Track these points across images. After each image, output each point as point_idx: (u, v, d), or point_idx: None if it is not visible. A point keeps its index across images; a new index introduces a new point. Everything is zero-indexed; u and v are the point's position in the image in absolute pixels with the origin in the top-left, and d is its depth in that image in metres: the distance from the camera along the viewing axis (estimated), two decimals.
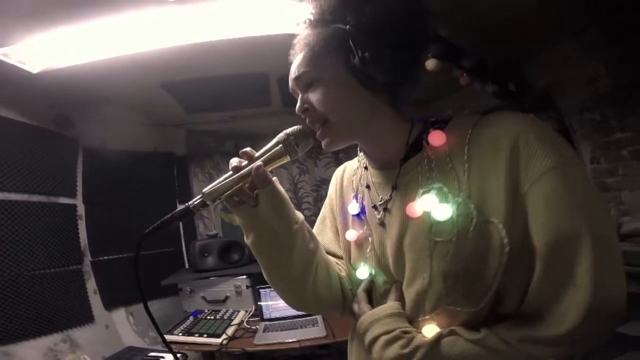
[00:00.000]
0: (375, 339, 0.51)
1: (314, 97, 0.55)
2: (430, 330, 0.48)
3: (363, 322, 0.54)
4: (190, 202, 0.54)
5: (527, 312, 0.44)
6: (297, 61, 0.57)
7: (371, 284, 0.61)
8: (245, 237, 0.60)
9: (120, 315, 2.31)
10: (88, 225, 2.14)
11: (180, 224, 2.58)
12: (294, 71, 0.57)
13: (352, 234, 0.64)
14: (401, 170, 0.55)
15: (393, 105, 0.56)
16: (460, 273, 0.47)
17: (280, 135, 0.58)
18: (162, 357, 1.68)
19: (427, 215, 0.49)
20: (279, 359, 2.57)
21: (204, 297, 2.12)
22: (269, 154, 0.56)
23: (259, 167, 0.54)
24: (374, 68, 0.50)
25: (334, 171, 0.77)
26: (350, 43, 0.50)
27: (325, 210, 0.75)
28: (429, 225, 0.49)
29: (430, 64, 1.53)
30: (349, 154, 0.74)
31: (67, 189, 2.02)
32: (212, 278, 2.08)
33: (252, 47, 1.64)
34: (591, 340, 0.44)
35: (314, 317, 1.82)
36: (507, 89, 2.09)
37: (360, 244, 0.63)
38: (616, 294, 0.41)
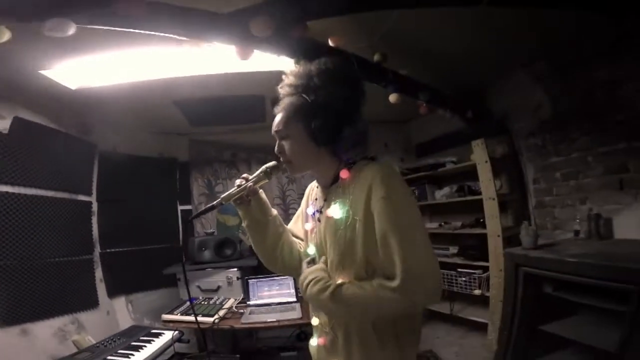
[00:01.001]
0: (309, 282, 0.87)
1: (286, 145, 0.91)
2: (339, 280, 0.85)
3: (303, 274, 0.91)
4: (215, 202, 0.94)
5: (385, 274, 0.78)
6: (277, 119, 0.94)
7: (314, 256, 0.98)
8: (242, 222, 1.02)
9: (120, 303, 2.64)
10: (99, 220, 2.51)
11: (180, 221, 2.96)
12: (275, 125, 0.93)
13: (308, 226, 1.03)
14: (329, 190, 0.92)
15: (332, 152, 0.90)
16: (347, 251, 0.82)
17: (262, 167, 0.97)
18: (162, 333, 2.00)
19: (334, 216, 0.85)
20: (262, 349, 2.89)
21: (199, 286, 2.48)
22: (256, 177, 0.97)
23: (250, 186, 0.96)
24: (320, 134, 0.85)
25: None
26: (309, 114, 0.87)
27: (299, 210, 1.16)
28: (335, 221, 0.85)
29: (392, 97, 1.95)
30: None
31: (85, 187, 2.39)
32: (208, 269, 2.45)
33: (253, 75, 2.04)
34: (415, 294, 0.74)
35: (292, 303, 2.19)
36: (466, 115, 2.51)
37: (312, 232, 0.99)
38: (416, 268, 0.73)
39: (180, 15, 1.16)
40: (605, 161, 2.02)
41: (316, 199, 1.00)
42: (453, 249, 2.82)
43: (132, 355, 1.61)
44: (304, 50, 1.44)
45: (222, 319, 2.05)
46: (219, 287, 2.45)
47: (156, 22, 1.14)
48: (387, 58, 1.80)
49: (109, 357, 1.55)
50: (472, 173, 2.60)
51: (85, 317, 2.27)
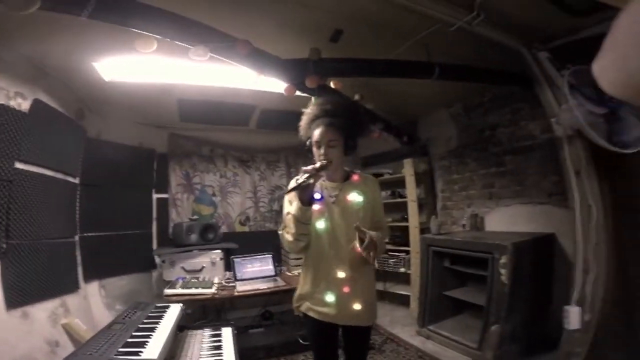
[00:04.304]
0: (380, 238, 1.37)
1: (331, 152, 1.38)
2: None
3: (377, 234, 1.35)
4: (299, 182, 1.28)
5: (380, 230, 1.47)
6: (330, 132, 1.37)
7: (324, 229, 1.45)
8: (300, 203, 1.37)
9: (93, 288, 2.80)
10: (81, 204, 2.72)
11: (155, 209, 3.29)
12: (331, 135, 1.37)
13: (315, 206, 1.41)
14: (342, 185, 1.47)
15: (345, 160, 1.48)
16: (363, 220, 1.41)
17: (318, 164, 1.35)
18: (168, 306, 2.15)
19: (354, 200, 1.44)
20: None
21: (183, 267, 2.93)
22: (314, 169, 1.33)
23: (315, 173, 1.32)
24: (348, 148, 1.44)
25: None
26: (349, 135, 1.43)
27: (289, 200, 1.45)
28: (355, 203, 1.44)
29: None
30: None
31: (74, 169, 2.59)
32: (194, 251, 2.94)
33: (251, 91, 2.70)
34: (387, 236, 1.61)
35: (274, 276, 2.90)
36: (402, 139, 3.65)
37: (321, 211, 1.43)
38: (386, 227, 1.58)
39: (261, 56, 1.84)
40: (482, 180, 3.35)
41: (326, 189, 1.49)
42: None
43: (159, 322, 1.79)
44: (319, 91, 2.24)
45: (220, 289, 2.62)
46: (202, 268, 2.96)
47: (249, 60, 1.78)
48: (364, 97, 2.73)
49: (140, 326, 1.70)
50: (402, 182, 3.75)
51: (70, 300, 2.33)
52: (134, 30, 1.40)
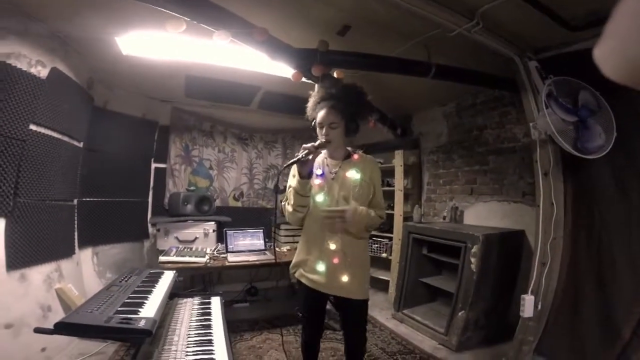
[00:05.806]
0: (361, 210, 1.52)
1: (332, 132, 1.53)
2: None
3: (354, 205, 1.52)
4: (299, 157, 1.45)
5: (374, 208, 1.64)
6: (331, 114, 1.52)
7: (323, 202, 1.60)
8: (298, 175, 1.53)
9: (87, 254, 2.92)
10: (82, 167, 2.84)
11: (152, 179, 3.44)
12: (332, 118, 1.51)
13: (317, 181, 1.60)
14: (342, 163, 1.62)
15: (346, 141, 1.64)
16: (359, 196, 1.57)
17: (318, 142, 1.52)
18: (163, 273, 2.23)
19: (352, 177, 1.58)
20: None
21: (176, 237, 3.12)
22: (314, 146, 1.49)
23: (313, 150, 1.49)
24: (350, 131, 1.59)
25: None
26: (350, 118, 1.57)
27: (294, 172, 1.58)
28: (352, 180, 1.58)
29: None
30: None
31: (80, 134, 2.71)
32: (189, 221, 3.12)
33: (257, 73, 2.85)
34: (382, 216, 1.65)
35: (264, 250, 3.13)
36: (396, 132, 3.86)
37: (320, 185, 1.59)
38: (382, 206, 1.68)
39: (275, 43, 1.98)
40: (466, 176, 3.60)
41: (327, 166, 1.67)
42: None
43: (154, 286, 1.88)
44: (323, 79, 2.41)
45: (212, 259, 2.82)
46: (195, 239, 3.15)
47: (262, 45, 1.93)
48: (363, 89, 2.91)
49: (137, 289, 1.77)
50: (391, 172, 3.99)
51: (64, 265, 2.42)
52: (165, 11, 1.54)
